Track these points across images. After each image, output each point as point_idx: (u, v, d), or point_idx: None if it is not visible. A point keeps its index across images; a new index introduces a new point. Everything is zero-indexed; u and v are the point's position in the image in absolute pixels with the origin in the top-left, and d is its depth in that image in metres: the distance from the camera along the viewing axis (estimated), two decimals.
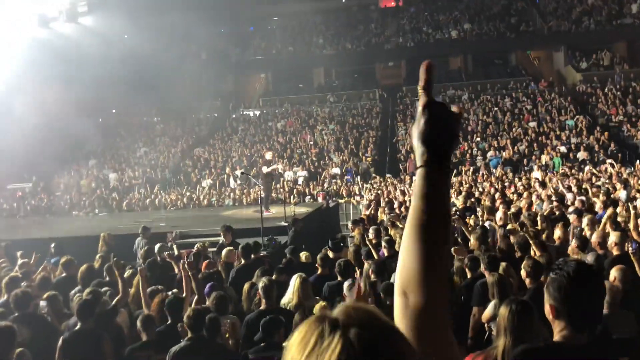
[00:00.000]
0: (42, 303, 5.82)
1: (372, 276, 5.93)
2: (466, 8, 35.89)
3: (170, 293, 5.83)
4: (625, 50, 32.04)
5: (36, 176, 23.83)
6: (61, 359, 4.68)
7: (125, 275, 6.50)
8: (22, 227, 15.37)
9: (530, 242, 6.74)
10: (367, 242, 8.26)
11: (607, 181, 14.46)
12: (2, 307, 5.54)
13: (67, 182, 24.09)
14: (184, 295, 5.63)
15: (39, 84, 22.23)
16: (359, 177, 22.49)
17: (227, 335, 5.11)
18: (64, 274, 7.26)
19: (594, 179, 15.45)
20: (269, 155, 14.78)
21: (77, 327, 4.88)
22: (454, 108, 1.31)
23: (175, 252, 8.34)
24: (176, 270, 7.16)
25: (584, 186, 12.98)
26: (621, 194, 11.06)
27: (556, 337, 2.21)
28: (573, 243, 6.77)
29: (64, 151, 25.98)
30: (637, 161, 18.83)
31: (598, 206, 9.65)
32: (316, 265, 6.94)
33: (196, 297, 5.75)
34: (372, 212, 11.73)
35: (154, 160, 26.84)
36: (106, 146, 28.64)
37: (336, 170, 23.41)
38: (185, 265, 5.76)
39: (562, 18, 33.19)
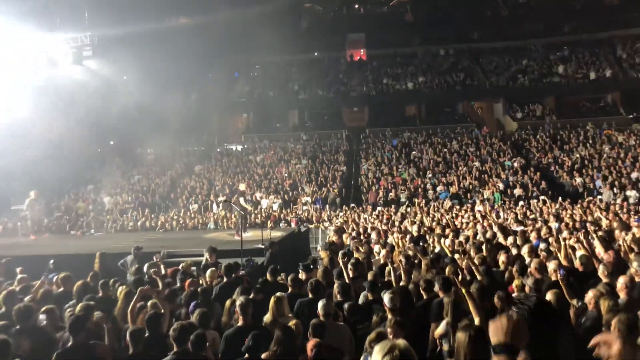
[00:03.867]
0: (41, 316, 5.51)
1: (338, 296, 5.79)
2: (420, 64, 36.68)
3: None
4: (553, 103, 33.06)
5: (39, 198, 23.10)
6: None
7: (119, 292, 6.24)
8: (23, 245, 14.74)
9: (473, 267, 6.73)
10: (341, 263, 8.06)
11: (539, 215, 14.69)
12: (2, 320, 5.23)
13: (66, 204, 23.43)
14: (162, 311, 5.41)
15: (47, 116, 21.76)
16: (327, 205, 22.44)
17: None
18: (61, 289, 6.94)
19: (528, 213, 15.67)
20: (242, 187, 14.49)
21: (70, 343, 4.61)
22: None
23: (162, 271, 8.09)
24: (160, 287, 6.93)
25: (520, 218, 13.15)
26: (553, 226, 11.21)
27: None
28: (514, 268, 6.78)
29: (66, 176, 25.35)
30: (560, 198, 19.25)
31: (533, 236, 9.75)
32: (288, 284, 6.79)
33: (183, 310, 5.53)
34: (338, 238, 11.63)
35: (146, 186, 26.35)
36: (103, 173, 28.08)
37: (307, 199, 23.31)
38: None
39: (500, 75, 34.14)
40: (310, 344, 3.93)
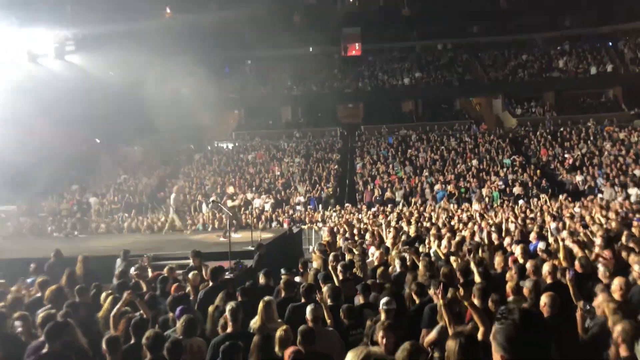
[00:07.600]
0: (17, 322, 5.42)
1: (329, 300, 5.73)
2: (417, 59, 36.65)
3: (137, 314, 5.54)
4: (553, 99, 33.10)
5: (21, 199, 22.88)
6: None
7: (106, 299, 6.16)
8: (4, 248, 14.56)
9: (473, 268, 6.66)
10: (330, 267, 7.98)
11: (539, 214, 14.65)
12: None
13: (49, 205, 23.25)
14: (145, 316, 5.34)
15: (28, 114, 21.52)
16: (320, 205, 22.37)
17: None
18: (39, 294, 6.84)
19: (527, 212, 15.64)
20: (230, 189, 14.47)
21: (45, 349, 4.52)
22: None
23: (149, 275, 8.01)
24: (144, 290, 6.85)
25: (520, 218, 13.11)
26: (552, 226, 11.18)
27: None
28: (512, 270, 6.72)
29: (49, 176, 25.11)
30: (560, 195, 19.24)
31: (532, 236, 9.71)
32: (280, 288, 6.73)
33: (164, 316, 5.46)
34: (331, 239, 11.56)
35: (133, 186, 26.19)
36: (89, 172, 27.86)
37: (300, 199, 23.24)
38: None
39: (500, 70, 34.16)
40: (289, 350, 3.87)
